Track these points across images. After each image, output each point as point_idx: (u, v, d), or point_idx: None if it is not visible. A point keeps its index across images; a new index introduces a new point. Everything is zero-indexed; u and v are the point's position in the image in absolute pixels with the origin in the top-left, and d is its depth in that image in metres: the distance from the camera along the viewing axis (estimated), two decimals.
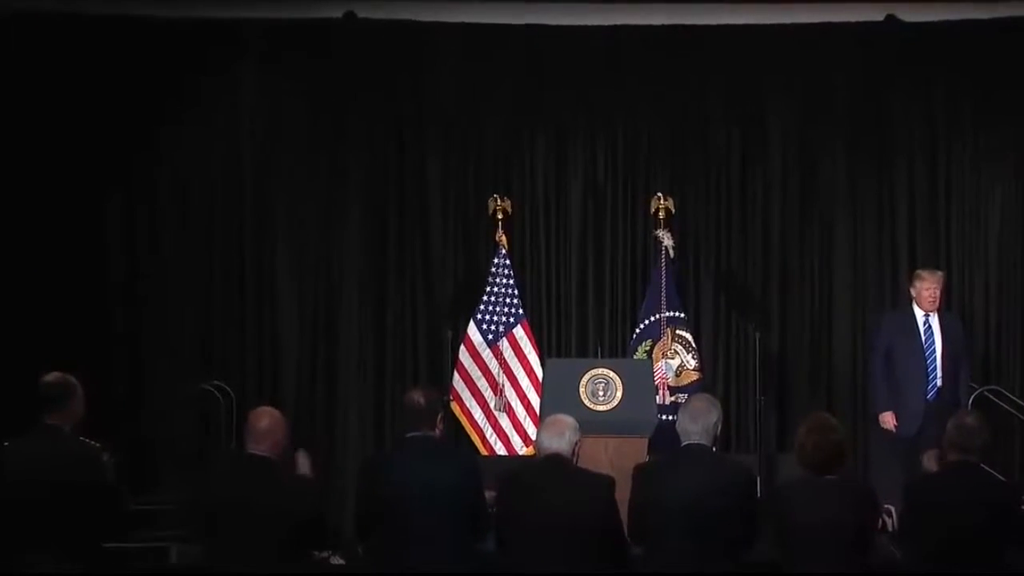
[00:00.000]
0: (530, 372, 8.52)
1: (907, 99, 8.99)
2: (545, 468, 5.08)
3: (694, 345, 8.56)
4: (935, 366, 7.81)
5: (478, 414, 8.48)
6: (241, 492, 4.87)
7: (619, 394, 7.26)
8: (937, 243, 8.96)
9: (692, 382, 8.44)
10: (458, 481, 5.11)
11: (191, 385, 8.51)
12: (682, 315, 8.57)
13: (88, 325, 8.65)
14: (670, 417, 7.23)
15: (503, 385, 8.50)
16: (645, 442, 6.93)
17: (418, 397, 5.25)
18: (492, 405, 8.48)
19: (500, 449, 8.43)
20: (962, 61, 8.88)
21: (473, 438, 8.45)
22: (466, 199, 9.08)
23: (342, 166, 9.01)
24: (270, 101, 9.00)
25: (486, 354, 8.54)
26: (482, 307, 8.59)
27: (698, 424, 5.09)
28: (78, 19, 8.71)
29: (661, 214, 8.62)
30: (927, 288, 7.85)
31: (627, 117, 9.11)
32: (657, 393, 7.98)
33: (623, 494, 5.11)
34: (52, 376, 5.17)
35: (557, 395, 7.24)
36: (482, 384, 8.51)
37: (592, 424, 6.38)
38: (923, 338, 7.86)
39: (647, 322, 8.57)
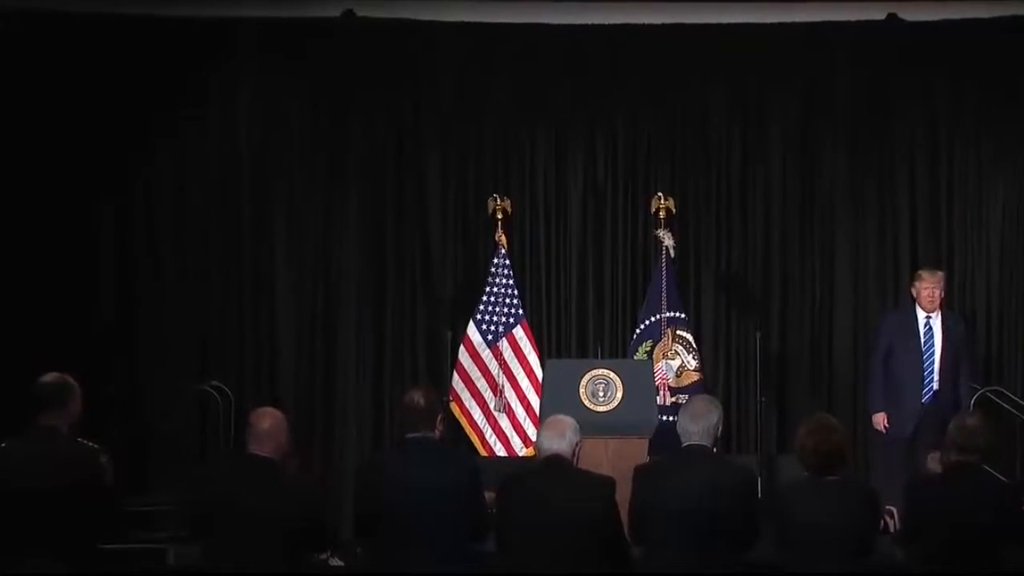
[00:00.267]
0: (530, 373, 8.50)
1: (908, 99, 8.98)
2: (545, 469, 5.07)
3: (695, 346, 8.54)
4: (932, 368, 7.83)
5: (477, 415, 8.46)
6: (241, 493, 4.86)
7: (619, 395, 7.26)
8: (939, 243, 8.95)
9: (693, 383, 8.43)
10: (458, 482, 5.10)
11: (189, 385, 8.50)
12: (683, 315, 8.55)
13: (86, 325, 8.63)
14: (670, 418, 7.21)
15: (503, 386, 8.48)
16: (645, 443, 6.93)
17: (418, 398, 5.23)
18: (492, 406, 8.47)
19: (500, 450, 8.42)
20: (964, 60, 8.87)
21: (472, 439, 8.44)
22: (465, 199, 9.07)
23: (341, 166, 9.00)
24: (268, 100, 8.99)
25: (486, 355, 8.52)
26: (481, 307, 8.58)
27: (699, 425, 5.08)
28: (75, 18, 8.69)
29: (662, 214, 8.60)
30: (926, 288, 7.87)
31: (627, 116, 9.10)
32: (658, 394, 7.97)
33: (623, 495, 5.10)
34: (49, 376, 5.14)
35: (557, 396, 7.23)
36: (481, 385, 8.49)
37: (592, 425, 6.37)
38: (922, 339, 7.88)
39: (647, 322, 8.55)
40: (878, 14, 8.82)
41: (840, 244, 9.01)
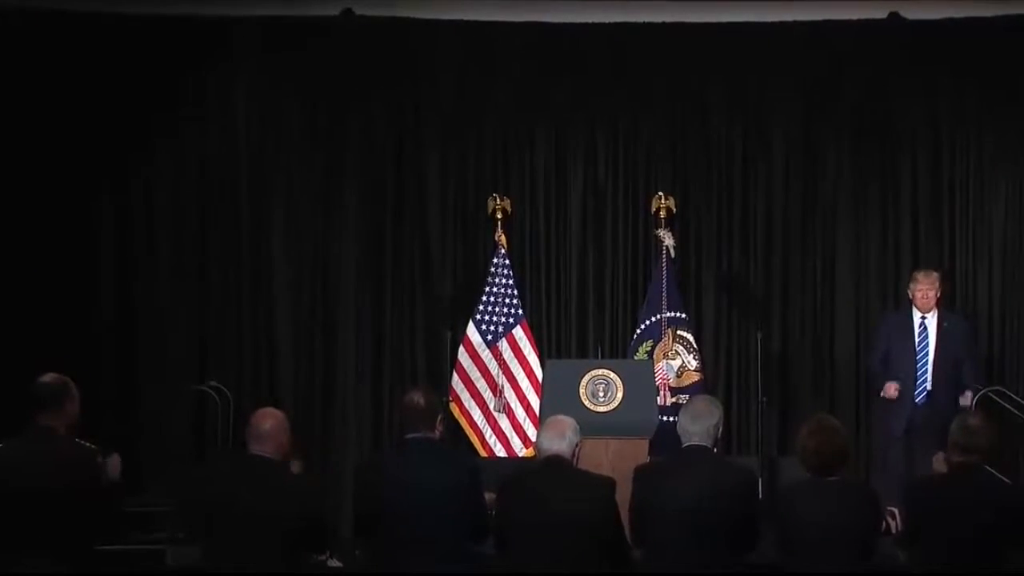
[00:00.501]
0: (530, 373, 8.49)
1: (910, 97, 8.95)
2: (545, 470, 5.07)
3: (695, 346, 8.53)
4: (926, 369, 7.85)
5: (477, 415, 8.45)
6: (240, 492, 4.87)
7: (619, 395, 7.25)
8: (941, 243, 8.92)
9: (693, 383, 8.42)
10: (457, 483, 5.09)
11: (187, 386, 8.48)
12: (683, 315, 8.55)
13: (83, 326, 8.61)
14: (671, 418, 7.20)
15: (502, 386, 8.47)
16: (646, 443, 6.92)
17: (418, 398, 5.23)
18: (491, 406, 8.46)
19: (499, 451, 8.40)
20: (965, 59, 8.85)
21: (472, 439, 8.43)
22: (465, 198, 9.05)
23: (339, 165, 8.98)
24: (267, 99, 8.98)
25: (485, 355, 8.51)
26: (481, 307, 8.56)
27: (699, 425, 5.08)
28: (74, 16, 8.68)
29: (662, 213, 8.61)
30: (920, 289, 7.92)
31: (628, 115, 9.08)
32: (658, 394, 7.96)
33: (624, 496, 5.10)
34: (48, 377, 5.14)
35: (557, 396, 7.23)
36: (481, 385, 8.48)
37: (592, 425, 6.36)
38: (916, 339, 7.91)
39: (648, 322, 8.54)
40: (879, 13, 8.80)
41: (841, 244, 8.99)
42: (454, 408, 8.39)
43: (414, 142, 9.04)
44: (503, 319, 8.55)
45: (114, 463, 5.15)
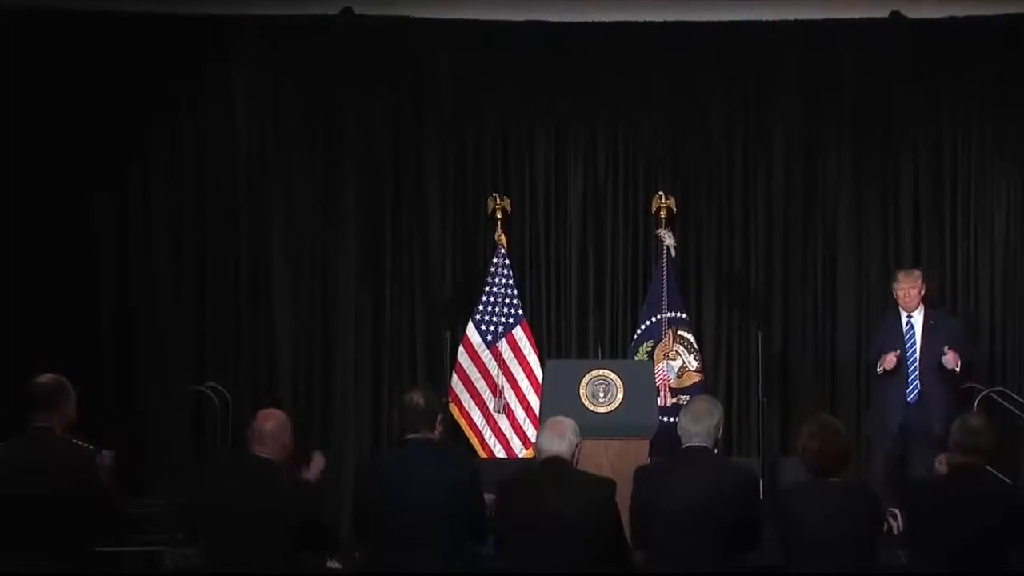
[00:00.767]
0: (530, 373, 8.47)
1: (911, 96, 8.94)
2: (545, 471, 5.06)
3: (696, 346, 8.52)
4: (915, 367, 7.85)
5: (477, 416, 8.43)
6: (238, 492, 4.87)
7: (620, 396, 7.26)
8: (942, 242, 8.91)
9: (694, 383, 8.41)
10: (457, 484, 5.08)
11: (185, 386, 8.46)
12: (684, 316, 8.53)
13: (82, 325, 8.60)
14: (671, 419, 7.18)
15: (502, 387, 8.45)
16: (646, 444, 6.92)
17: (418, 399, 5.23)
18: (491, 407, 8.44)
19: (499, 451, 8.39)
20: (967, 58, 8.85)
21: (472, 440, 8.41)
22: (464, 198, 9.03)
23: (338, 164, 8.97)
24: (265, 98, 8.96)
25: (485, 355, 8.49)
26: (481, 307, 8.54)
27: (700, 426, 5.08)
28: (72, 15, 8.66)
29: (662, 213, 8.60)
30: (900, 289, 7.95)
31: (628, 114, 9.07)
32: (659, 394, 7.95)
33: (624, 497, 5.09)
34: (44, 377, 5.12)
35: (557, 397, 7.23)
36: (481, 386, 8.47)
37: (592, 426, 6.36)
38: (904, 338, 7.91)
39: (648, 323, 8.53)
40: (881, 11, 8.79)
41: (842, 243, 8.97)
42: (454, 409, 8.38)
43: (413, 141, 9.02)
44: (503, 319, 8.53)
45: (107, 459, 5.12)
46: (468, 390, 8.46)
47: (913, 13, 8.79)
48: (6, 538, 4.86)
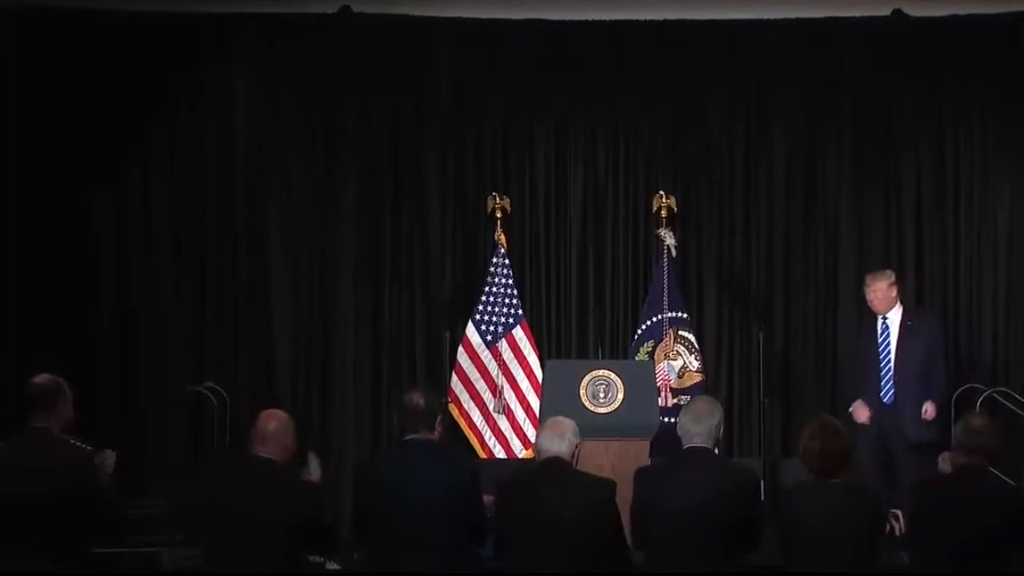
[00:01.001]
0: (529, 374, 8.46)
1: (914, 95, 8.92)
2: (545, 471, 5.07)
3: (697, 346, 8.51)
4: (888, 368, 7.85)
5: (476, 416, 8.42)
6: (238, 492, 4.88)
7: (620, 396, 7.25)
8: (944, 242, 8.89)
9: (695, 384, 8.40)
10: (457, 484, 5.08)
11: (184, 387, 8.45)
12: (684, 316, 8.52)
13: (81, 326, 8.59)
14: (672, 419, 7.16)
15: (502, 387, 8.44)
16: (647, 445, 6.91)
17: (417, 399, 5.23)
18: (491, 407, 8.43)
19: (499, 452, 8.38)
20: (969, 57, 8.83)
21: (471, 441, 8.40)
22: (464, 197, 9.02)
23: (337, 164, 8.95)
24: (264, 97, 8.94)
25: (485, 355, 8.48)
26: (481, 307, 8.53)
27: (701, 426, 5.08)
28: (71, 13, 8.65)
29: (663, 212, 8.59)
30: (869, 291, 7.94)
31: (628, 113, 9.05)
32: (659, 395, 7.94)
33: (624, 497, 5.09)
34: (40, 377, 5.14)
35: (557, 397, 7.23)
36: (480, 386, 8.46)
37: (593, 426, 6.37)
38: (879, 339, 7.90)
39: (649, 323, 8.52)
40: (883, 9, 8.77)
41: (844, 243, 8.95)
42: (453, 409, 8.36)
43: (413, 140, 9.00)
44: (503, 319, 8.51)
45: (108, 460, 5.12)
46: (468, 390, 8.44)
47: (915, 11, 8.77)
48: (5, 538, 4.86)
